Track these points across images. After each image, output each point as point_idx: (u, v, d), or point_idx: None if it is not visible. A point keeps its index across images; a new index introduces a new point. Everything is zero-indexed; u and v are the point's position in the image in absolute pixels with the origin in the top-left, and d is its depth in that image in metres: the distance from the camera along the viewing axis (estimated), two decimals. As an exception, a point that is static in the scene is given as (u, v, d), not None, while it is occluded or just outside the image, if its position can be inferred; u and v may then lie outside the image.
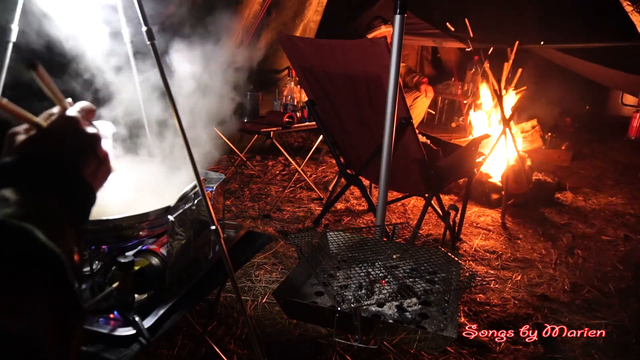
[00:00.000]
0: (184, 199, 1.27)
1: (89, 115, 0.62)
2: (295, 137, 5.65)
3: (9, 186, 0.50)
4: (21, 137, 0.56)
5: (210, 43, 1.65)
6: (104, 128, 0.66)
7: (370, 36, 4.26)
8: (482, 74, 5.84)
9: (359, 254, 1.78)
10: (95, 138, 0.61)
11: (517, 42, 3.61)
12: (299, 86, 3.98)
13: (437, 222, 3.36)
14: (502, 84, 3.49)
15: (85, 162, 0.59)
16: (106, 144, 0.64)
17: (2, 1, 1.60)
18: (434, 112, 7.06)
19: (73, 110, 0.60)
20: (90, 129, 0.61)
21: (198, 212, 1.31)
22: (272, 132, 3.64)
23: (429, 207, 2.79)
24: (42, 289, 0.42)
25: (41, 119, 0.58)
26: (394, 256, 1.76)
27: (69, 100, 0.62)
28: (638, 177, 4.78)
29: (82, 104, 0.62)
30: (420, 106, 4.79)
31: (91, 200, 0.60)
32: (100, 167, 0.62)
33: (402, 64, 3.12)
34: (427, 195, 2.71)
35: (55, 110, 0.60)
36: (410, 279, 1.67)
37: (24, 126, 0.57)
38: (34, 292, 0.41)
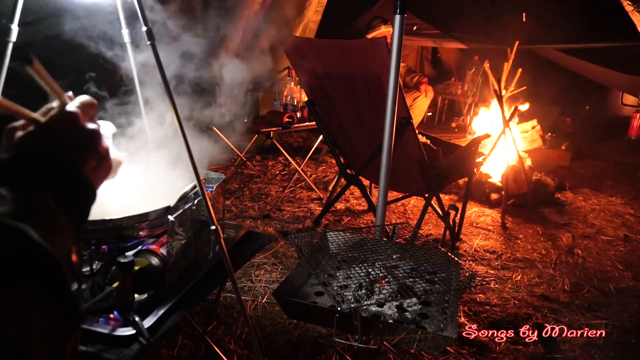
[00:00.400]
0: (184, 199, 1.27)
1: (89, 110, 0.60)
2: (295, 137, 5.65)
3: (5, 183, 0.48)
4: (19, 133, 0.54)
5: (210, 44, 1.65)
6: (104, 128, 0.65)
7: (370, 36, 4.26)
8: (481, 74, 5.85)
9: (359, 254, 1.78)
10: (96, 134, 0.59)
11: (517, 42, 3.60)
12: (299, 86, 3.98)
13: (437, 222, 3.36)
14: (502, 84, 3.48)
15: (85, 159, 0.57)
16: (107, 141, 0.62)
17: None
18: (430, 114, 7.03)
19: (73, 105, 0.58)
20: (90, 125, 0.59)
21: (198, 212, 1.31)
22: (272, 132, 3.64)
23: (429, 207, 2.80)
24: (36, 291, 0.40)
25: (39, 115, 0.56)
26: (394, 256, 1.76)
27: (69, 94, 0.60)
28: (638, 177, 4.78)
29: (82, 98, 0.60)
30: (420, 106, 4.79)
31: (91, 198, 0.58)
32: (101, 164, 0.60)
33: (402, 64, 3.12)
34: (427, 195, 2.71)
35: (55, 105, 0.58)
36: (410, 279, 1.67)
37: (23, 122, 0.55)
38: (27, 295, 0.40)
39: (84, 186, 0.57)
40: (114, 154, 0.65)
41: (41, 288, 0.41)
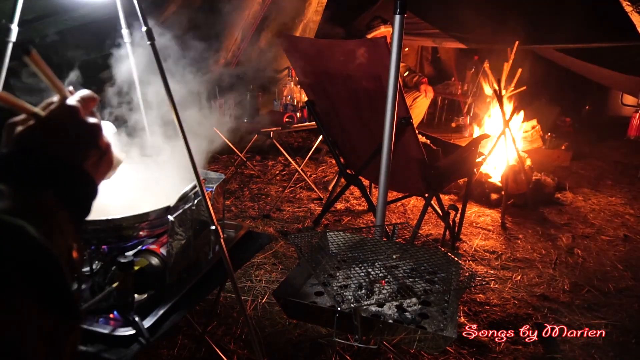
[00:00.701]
0: (184, 199, 1.27)
1: (90, 104, 0.59)
2: (295, 137, 5.65)
3: (4, 180, 0.48)
4: (19, 128, 0.53)
5: (209, 45, 1.65)
6: (104, 127, 0.64)
7: (369, 36, 4.26)
8: (482, 74, 5.85)
9: (359, 254, 1.78)
10: (97, 128, 0.58)
11: (517, 42, 3.61)
12: (299, 86, 3.98)
13: (437, 222, 3.36)
14: (502, 84, 3.49)
15: (86, 154, 0.56)
16: (108, 135, 0.62)
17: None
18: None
19: (73, 99, 0.57)
20: (91, 119, 0.58)
21: (198, 212, 1.31)
22: (272, 132, 3.64)
23: (429, 207, 2.79)
24: (34, 291, 0.40)
25: (40, 109, 0.55)
26: (394, 256, 1.76)
27: (70, 88, 0.59)
28: (638, 177, 4.78)
29: (83, 92, 0.59)
30: (420, 106, 4.79)
31: (92, 193, 0.57)
32: (102, 159, 0.59)
33: (401, 64, 3.12)
34: (427, 195, 2.71)
35: (55, 99, 0.57)
36: (410, 279, 1.67)
37: (23, 116, 0.54)
38: (25, 295, 0.39)
39: (85, 182, 0.56)
40: (115, 152, 0.64)
41: (39, 287, 0.41)
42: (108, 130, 0.66)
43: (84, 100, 0.58)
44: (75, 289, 1.13)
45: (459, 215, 2.94)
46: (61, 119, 0.55)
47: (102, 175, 0.61)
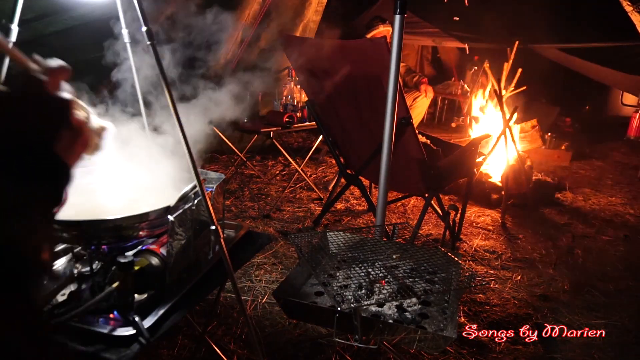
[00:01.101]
0: (184, 199, 1.27)
1: (58, 76, 0.50)
2: (295, 137, 5.65)
3: None
4: None
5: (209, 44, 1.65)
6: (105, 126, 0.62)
7: (369, 36, 4.26)
8: (481, 75, 5.86)
9: (359, 254, 1.78)
10: (66, 104, 0.50)
11: (517, 42, 3.61)
12: (299, 86, 3.98)
13: (437, 222, 3.35)
14: (502, 84, 3.48)
15: (55, 134, 0.49)
16: (82, 112, 0.53)
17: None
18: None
19: (38, 71, 0.49)
20: (60, 94, 0.50)
21: (198, 212, 1.31)
22: (272, 132, 3.64)
23: (429, 207, 2.79)
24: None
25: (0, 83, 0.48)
26: (394, 256, 1.76)
27: (36, 57, 0.51)
28: (638, 177, 4.78)
29: (51, 62, 0.50)
30: (420, 106, 4.79)
31: (65, 178, 0.50)
32: (75, 140, 0.52)
33: (402, 64, 3.12)
34: (427, 195, 2.71)
35: (19, 72, 0.50)
36: (410, 279, 1.67)
37: None
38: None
39: (55, 165, 0.49)
40: (98, 121, 0.56)
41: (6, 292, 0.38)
42: (109, 130, 0.65)
43: (51, 72, 0.50)
44: (76, 288, 1.13)
45: (459, 215, 2.94)
46: (25, 95, 0.48)
47: (76, 157, 0.53)
